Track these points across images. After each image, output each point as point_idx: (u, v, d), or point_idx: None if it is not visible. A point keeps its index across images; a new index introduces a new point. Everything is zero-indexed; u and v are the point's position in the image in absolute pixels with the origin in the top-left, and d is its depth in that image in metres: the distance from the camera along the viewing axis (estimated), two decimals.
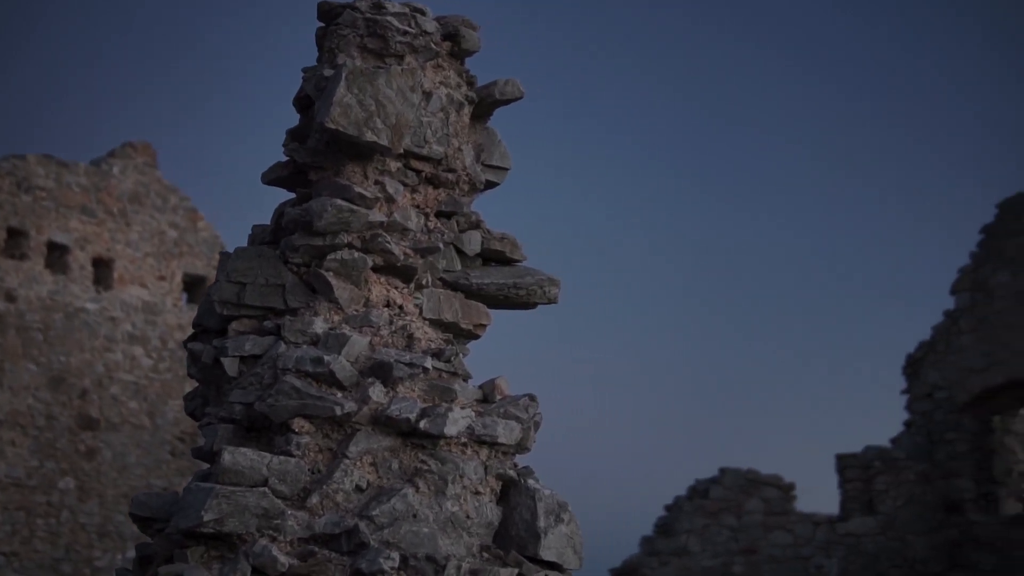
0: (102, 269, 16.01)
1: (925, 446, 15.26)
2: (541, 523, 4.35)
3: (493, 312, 4.92)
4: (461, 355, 4.60)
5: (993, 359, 14.73)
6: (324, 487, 4.13)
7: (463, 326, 4.74)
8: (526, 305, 4.96)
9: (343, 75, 4.34)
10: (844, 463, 15.37)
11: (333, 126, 4.31)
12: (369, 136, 4.38)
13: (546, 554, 4.33)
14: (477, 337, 4.84)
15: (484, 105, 4.87)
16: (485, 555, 4.29)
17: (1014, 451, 15.47)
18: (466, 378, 4.58)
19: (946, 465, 15.01)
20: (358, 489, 4.18)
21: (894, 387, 16.13)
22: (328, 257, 4.41)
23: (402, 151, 4.53)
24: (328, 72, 4.45)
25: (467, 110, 4.79)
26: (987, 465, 15.06)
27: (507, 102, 4.89)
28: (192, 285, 16.99)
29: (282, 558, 3.93)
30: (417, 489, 4.22)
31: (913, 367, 15.82)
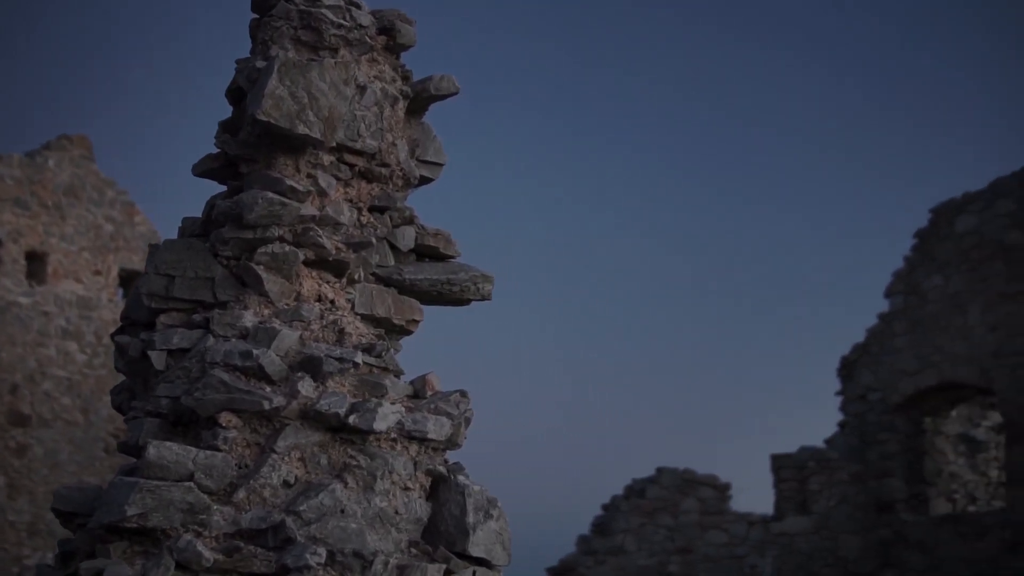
0: (36, 263, 15.75)
1: (858, 447, 15.47)
2: (470, 519, 4.34)
3: (428, 308, 4.91)
4: (393, 350, 4.58)
5: (925, 361, 14.96)
6: (251, 482, 4.09)
7: (395, 322, 4.72)
8: (460, 301, 4.95)
9: (275, 67, 4.31)
10: (779, 463, 15.55)
11: (265, 118, 4.28)
12: (301, 129, 4.34)
13: (475, 550, 4.32)
14: (410, 333, 4.82)
15: (419, 100, 4.85)
16: (413, 551, 4.28)
17: (944, 452, 15.73)
18: (398, 374, 4.57)
19: (878, 465, 15.22)
20: (286, 484, 4.15)
21: (829, 389, 16.36)
22: (258, 250, 4.38)
23: (335, 144, 4.50)
24: (260, 64, 4.41)
25: (402, 105, 4.77)
26: (918, 466, 15.30)
27: (442, 97, 4.88)
28: (128, 280, 16.74)
29: (207, 553, 3.88)
30: (345, 484, 4.19)
31: (847, 369, 16.02)
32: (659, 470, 15.33)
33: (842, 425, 15.86)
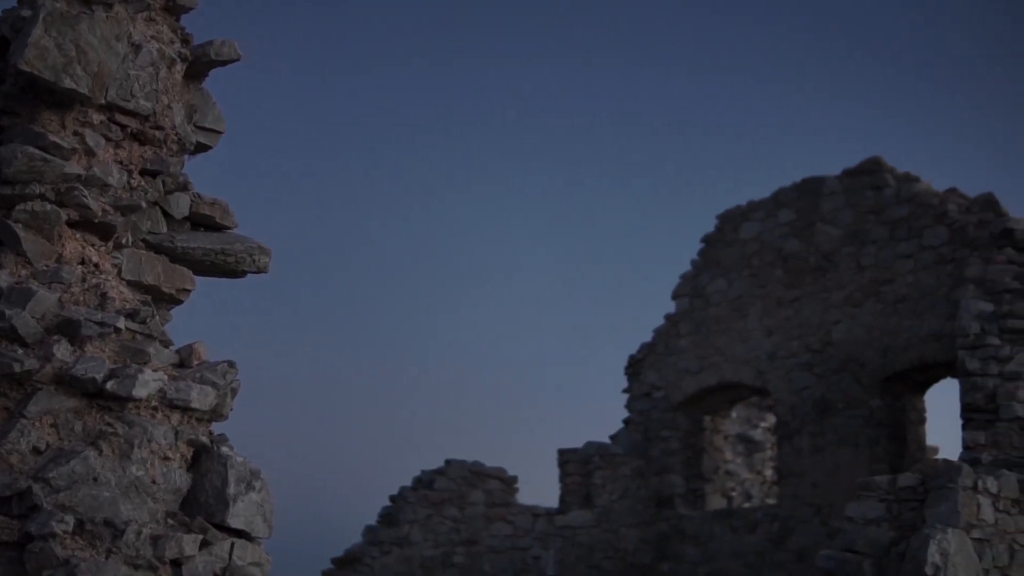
0: None
1: (642, 443, 15.96)
2: (231, 490, 4.27)
3: (213, 280, 4.83)
4: (159, 318, 4.46)
5: (707, 362, 15.56)
6: None
7: (165, 290, 4.61)
8: (235, 273, 4.87)
9: (41, 16, 4.14)
10: (565, 458, 15.90)
11: (28, 68, 4.10)
12: (68, 83, 4.18)
13: (234, 521, 4.24)
14: (180, 302, 4.71)
15: (199, 65, 4.75)
16: (170, 521, 4.17)
17: (722, 450, 16.40)
18: (165, 342, 4.45)
19: (660, 461, 15.75)
20: (36, 451, 3.98)
21: (618, 386, 16.82)
22: (17, 207, 4.19)
23: (105, 103, 4.35)
24: (26, 13, 4.23)
25: (179, 67, 4.65)
26: (697, 462, 15.90)
27: (223, 63, 4.79)
28: None
29: None
30: (100, 452, 4.06)
31: (635, 367, 16.51)
32: (447, 462, 15.44)
33: (627, 422, 16.34)
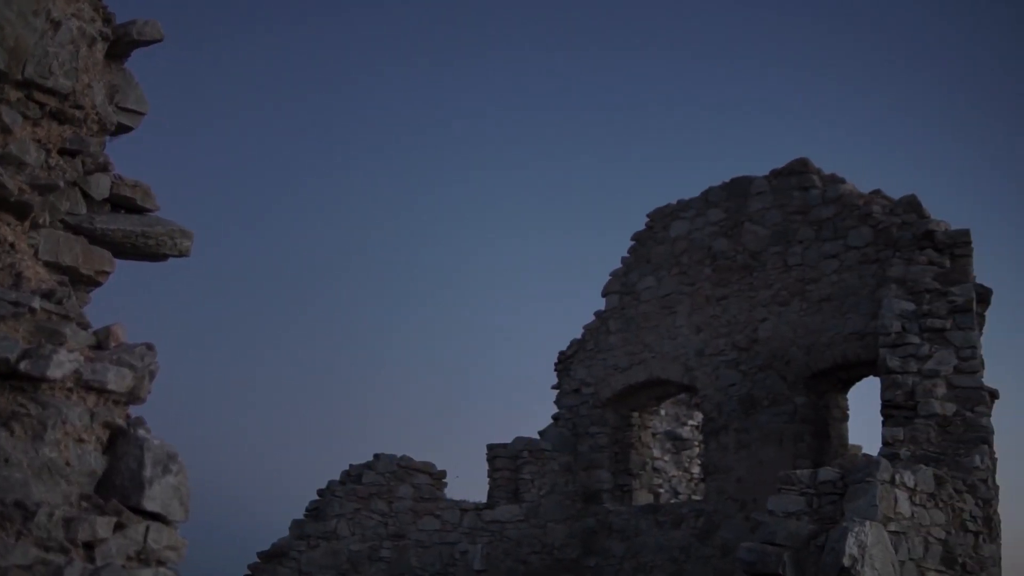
0: None
1: (570, 439, 16.04)
2: (147, 473, 4.22)
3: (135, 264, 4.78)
4: (76, 299, 4.41)
5: (635, 359, 15.68)
6: None
7: (83, 271, 4.55)
8: (155, 256, 4.82)
9: None
10: (494, 453, 15.93)
11: None
12: None
13: (150, 504, 4.20)
14: (99, 284, 4.66)
15: (121, 44, 4.69)
16: (84, 504, 4.12)
17: (649, 446, 16.53)
18: (82, 324, 4.39)
19: (588, 457, 15.83)
20: None
21: (548, 382, 16.90)
22: None
23: (22, 79, 4.29)
24: None
25: (100, 46, 4.59)
26: (625, 458, 16.01)
27: (146, 43, 4.74)
28: None
29: None
30: (12, 433, 3.99)
31: (564, 364, 16.59)
32: (376, 456, 15.40)
33: (556, 418, 16.41)
